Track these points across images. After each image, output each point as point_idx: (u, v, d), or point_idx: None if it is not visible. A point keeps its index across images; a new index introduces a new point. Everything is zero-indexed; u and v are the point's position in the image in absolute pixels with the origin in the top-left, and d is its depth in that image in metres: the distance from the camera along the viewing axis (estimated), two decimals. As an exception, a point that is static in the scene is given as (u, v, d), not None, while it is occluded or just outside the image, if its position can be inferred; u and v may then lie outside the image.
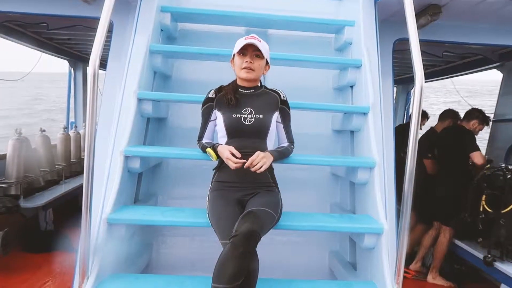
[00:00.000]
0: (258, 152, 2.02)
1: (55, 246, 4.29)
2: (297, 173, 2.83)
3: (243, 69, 2.10)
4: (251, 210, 1.90)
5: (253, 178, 2.05)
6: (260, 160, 1.98)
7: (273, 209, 1.97)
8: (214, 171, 2.21)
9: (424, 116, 5.68)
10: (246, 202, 2.04)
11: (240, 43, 2.09)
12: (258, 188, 2.11)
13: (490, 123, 4.53)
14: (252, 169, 1.98)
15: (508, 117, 4.91)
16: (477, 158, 3.80)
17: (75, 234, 1.94)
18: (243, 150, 2.05)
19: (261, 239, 2.61)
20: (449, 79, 7.08)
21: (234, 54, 2.15)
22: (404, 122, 7.65)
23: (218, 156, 2.09)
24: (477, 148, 3.88)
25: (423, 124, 5.49)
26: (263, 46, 2.10)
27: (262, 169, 1.99)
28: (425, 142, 4.34)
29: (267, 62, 2.17)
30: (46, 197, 4.58)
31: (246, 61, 2.09)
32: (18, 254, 4.17)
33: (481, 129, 4.14)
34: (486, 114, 4.17)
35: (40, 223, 4.55)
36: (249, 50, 2.09)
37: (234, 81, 2.22)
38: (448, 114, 4.47)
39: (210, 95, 2.21)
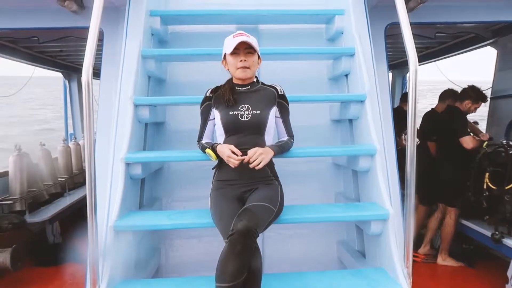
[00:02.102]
0: (256, 148, 2.02)
1: (65, 258, 4.30)
2: (299, 165, 2.84)
3: (239, 68, 2.10)
4: (246, 207, 1.91)
5: (252, 174, 2.06)
6: (258, 157, 1.99)
7: (271, 203, 1.97)
8: (214, 170, 2.22)
9: None
10: (246, 199, 2.05)
11: (231, 43, 2.07)
12: (257, 183, 2.11)
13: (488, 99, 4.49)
14: (251, 166, 1.99)
15: (505, 93, 4.90)
16: (465, 143, 3.78)
17: (84, 245, 1.95)
18: (241, 146, 2.06)
19: (268, 234, 2.62)
20: (445, 79, 7.09)
21: (225, 54, 2.15)
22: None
23: (217, 156, 2.09)
24: (466, 133, 3.84)
25: None
26: (253, 41, 2.09)
27: (261, 165, 1.99)
28: (428, 124, 4.33)
29: (258, 56, 2.16)
30: (52, 211, 4.59)
31: (241, 60, 2.08)
32: (29, 269, 4.18)
33: (477, 107, 4.11)
34: (481, 91, 4.14)
35: (47, 237, 4.56)
36: (241, 48, 2.08)
37: (230, 80, 2.21)
38: (448, 94, 4.45)
39: (208, 94, 2.21)
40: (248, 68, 2.10)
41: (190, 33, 3.14)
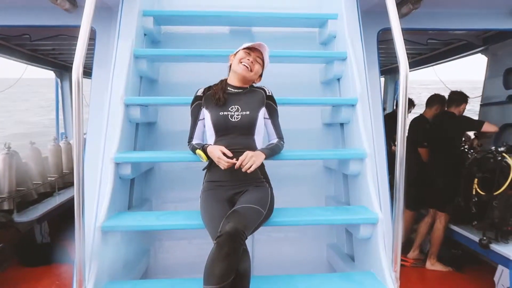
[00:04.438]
0: (247, 152, 2.02)
1: (53, 258, 4.25)
2: (291, 168, 2.84)
3: (242, 63, 2.14)
4: (235, 209, 1.91)
5: (243, 175, 2.05)
6: (249, 160, 1.99)
7: (260, 205, 1.98)
8: (205, 171, 2.21)
9: (411, 103, 5.73)
10: (236, 200, 2.05)
11: (249, 44, 2.16)
12: (248, 185, 2.11)
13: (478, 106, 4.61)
14: (243, 169, 1.99)
15: (495, 100, 4.96)
16: (490, 127, 3.99)
17: (72, 245, 1.93)
18: (231, 147, 2.07)
19: (258, 236, 2.61)
20: (436, 79, 7.20)
21: (239, 50, 2.18)
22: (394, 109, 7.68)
23: (208, 157, 2.09)
24: (482, 121, 4.07)
25: (409, 112, 5.53)
26: (266, 56, 2.19)
27: (252, 169, 1.99)
28: (419, 130, 4.36)
29: (262, 71, 2.24)
30: (40, 210, 4.54)
31: (248, 59, 2.13)
32: (16, 269, 4.13)
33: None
34: (464, 93, 4.32)
35: (36, 237, 4.51)
36: (255, 53, 2.15)
37: (223, 80, 2.22)
38: (436, 100, 4.51)
39: (198, 94, 2.22)
40: (250, 70, 2.14)
41: (183, 34, 3.13)
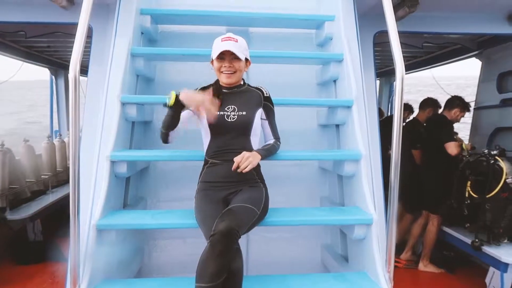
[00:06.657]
0: (244, 153, 2.02)
1: (45, 256, 4.23)
2: (286, 169, 2.85)
3: (223, 73, 2.11)
4: (229, 208, 1.91)
5: (238, 176, 2.05)
6: (246, 161, 1.99)
7: (254, 205, 1.97)
8: (200, 171, 2.21)
9: (409, 109, 5.77)
10: (230, 200, 2.05)
11: (217, 47, 2.07)
12: (242, 185, 2.11)
13: (472, 109, 4.62)
14: (239, 170, 1.98)
15: (488, 103, 5.01)
16: (450, 148, 3.87)
17: (65, 244, 1.92)
18: (227, 147, 2.07)
19: (253, 237, 2.62)
20: (430, 75, 7.26)
21: (212, 57, 2.15)
22: (389, 114, 7.73)
23: (175, 103, 1.95)
24: (451, 139, 3.94)
25: (408, 118, 5.52)
26: (240, 46, 2.07)
27: (248, 169, 1.99)
28: (412, 132, 4.40)
29: (247, 59, 2.16)
30: (33, 208, 4.51)
31: (225, 66, 2.09)
32: (8, 267, 4.10)
33: (463, 116, 4.22)
34: (466, 101, 4.25)
35: (28, 234, 4.48)
36: (227, 54, 2.07)
37: (217, 81, 2.21)
38: (428, 103, 4.55)
39: None
40: (232, 73, 2.11)
41: (180, 33, 3.12)
